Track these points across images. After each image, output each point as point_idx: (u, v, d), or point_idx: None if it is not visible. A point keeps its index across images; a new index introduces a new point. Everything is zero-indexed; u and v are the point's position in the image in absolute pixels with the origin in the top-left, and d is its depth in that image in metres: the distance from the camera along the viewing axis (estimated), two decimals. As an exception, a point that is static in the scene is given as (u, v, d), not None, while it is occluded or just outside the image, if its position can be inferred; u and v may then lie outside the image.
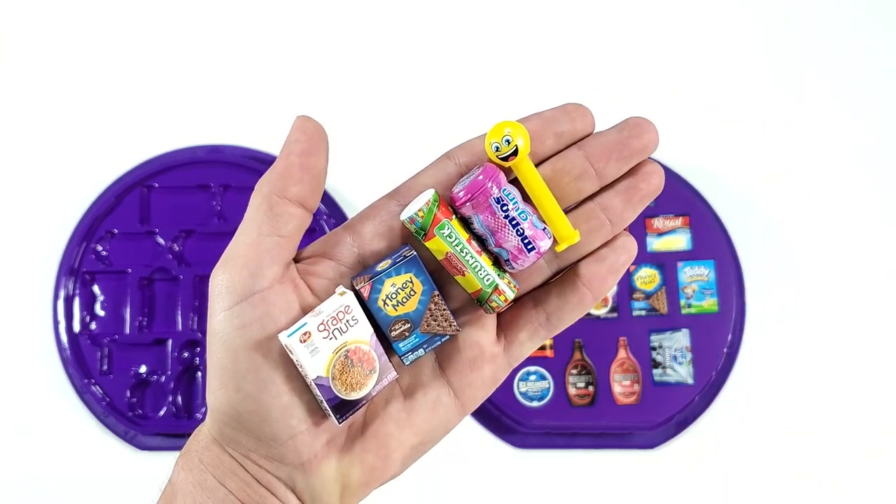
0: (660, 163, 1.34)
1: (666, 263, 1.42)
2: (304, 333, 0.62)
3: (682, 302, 1.41)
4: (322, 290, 0.67)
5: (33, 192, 1.48)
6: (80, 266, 1.43)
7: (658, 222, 1.42)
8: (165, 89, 1.52)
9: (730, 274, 1.41)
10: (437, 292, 0.65)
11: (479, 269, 0.65)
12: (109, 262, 1.44)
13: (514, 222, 0.65)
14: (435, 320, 0.65)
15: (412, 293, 0.65)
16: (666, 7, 1.53)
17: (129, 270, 1.44)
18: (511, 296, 0.66)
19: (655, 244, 1.42)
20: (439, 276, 0.68)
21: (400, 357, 0.66)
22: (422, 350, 0.66)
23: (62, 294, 1.42)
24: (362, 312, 0.64)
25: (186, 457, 0.67)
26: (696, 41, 1.51)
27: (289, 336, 0.62)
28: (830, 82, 1.49)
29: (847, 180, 1.45)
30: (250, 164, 1.44)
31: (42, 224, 1.46)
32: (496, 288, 0.65)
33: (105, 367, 1.41)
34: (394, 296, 0.64)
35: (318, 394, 0.63)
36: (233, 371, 0.63)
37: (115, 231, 1.45)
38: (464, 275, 0.65)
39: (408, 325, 0.65)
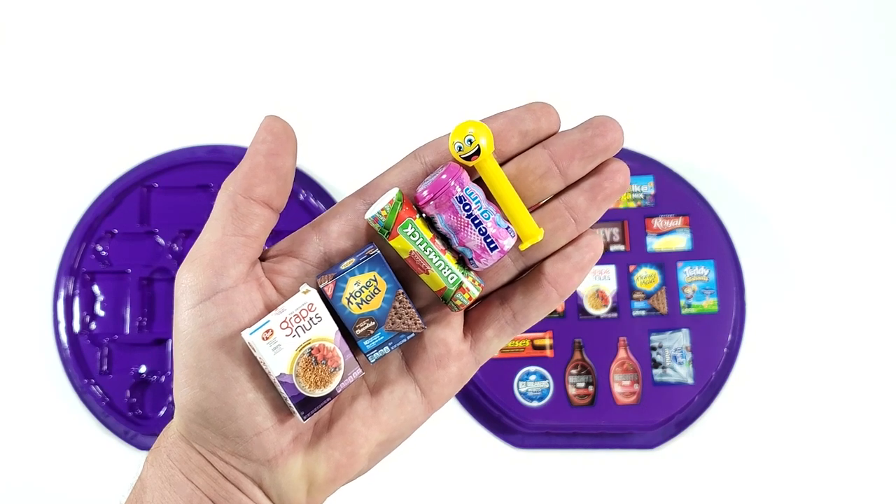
0: (658, 161, 1.35)
1: (666, 263, 1.42)
2: (267, 331, 0.62)
3: (682, 302, 1.40)
4: (287, 288, 0.67)
5: (33, 192, 1.49)
6: (80, 266, 1.44)
7: (658, 222, 1.42)
8: (165, 89, 1.52)
9: (730, 274, 1.41)
10: (401, 290, 0.65)
11: (443, 268, 0.65)
12: (109, 262, 1.45)
13: (476, 221, 0.65)
14: (400, 318, 0.66)
15: (376, 291, 0.65)
16: (666, 7, 1.52)
17: (129, 270, 1.44)
18: (475, 293, 0.66)
19: (655, 244, 1.42)
20: (405, 274, 0.68)
21: (365, 355, 0.66)
22: (387, 348, 0.66)
23: (62, 294, 1.43)
24: (326, 310, 0.64)
25: (155, 453, 0.68)
26: (696, 41, 1.51)
27: (251, 334, 0.62)
28: (831, 82, 1.48)
29: (847, 181, 1.44)
30: (250, 165, 1.43)
31: (42, 224, 1.47)
32: (461, 286, 0.66)
33: (105, 367, 1.42)
34: (357, 294, 0.65)
35: (282, 391, 0.63)
36: (197, 369, 0.63)
37: (115, 231, 1.45)
38: (428, 273, 0.65)
39: (372, 323, 0.65)
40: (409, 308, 0.66)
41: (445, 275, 0.65)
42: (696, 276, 1.41)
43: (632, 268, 1.42)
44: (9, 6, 1.56)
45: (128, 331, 1.43)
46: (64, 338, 1.42)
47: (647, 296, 1.41)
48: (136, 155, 1.47)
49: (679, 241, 1.42)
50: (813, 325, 1.40)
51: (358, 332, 0.65)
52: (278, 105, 1.50)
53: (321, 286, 0.64)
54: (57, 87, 1.53)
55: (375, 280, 0.65)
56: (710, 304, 1.40)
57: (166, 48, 1.54)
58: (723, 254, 1.41)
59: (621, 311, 1.41)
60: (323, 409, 0.66)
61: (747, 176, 1.45)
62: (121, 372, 1.42)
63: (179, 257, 1.44)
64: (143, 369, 1.42)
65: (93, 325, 1.44)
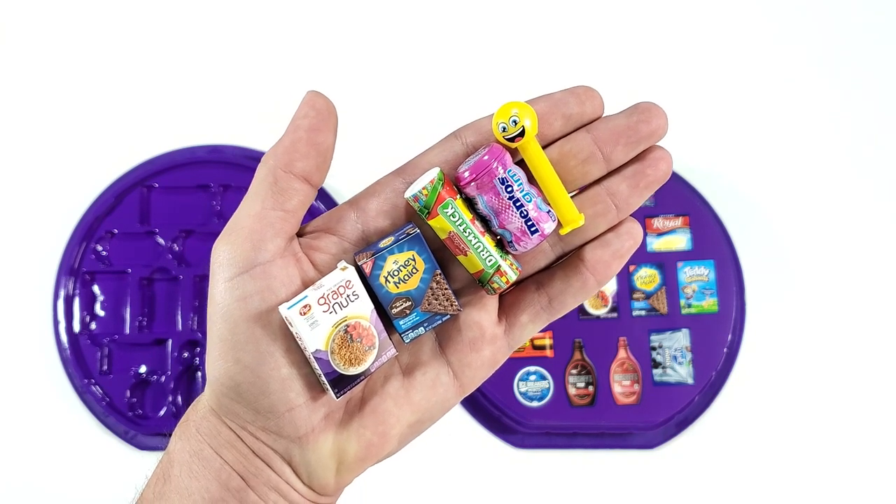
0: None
1: (666, 263, 1.42)
2: (305, 306, 0.62)
3: (682, 302, 1.40)
4: (324, 264, 0.67)
5: (33, 192, 1.48)
6: (80, 266, 1.43)
7: (658, 222, 1.42)
8: (165, 89, 1.52)
9: (730, 274, 1.41)
10: (439, 271, 0.65)
11: (482, 250, 0.65)
12: (109, 262, 1.44)
13: (517, 204, 0.65)
14: (436, 299, 0.66)
15: (414, 271, 0.65)
16: (666, 7, 1.53)
17: (129, 270, 1.43)
18: (513, 277, 0.66)
19: (655, 244, 1.42)
20: (442, 255, 0.68)
21: (400, 335, 0.66)
22: (422, 328, 0.66)
23: (62, 294, 1.42)
24: (363, 288, 0.64)
25: (184, 426, 0.68)
26: (696, 41, 1.52)
27: (289, 308, 0.62)
28: (831, 82, 1.49)
29: (847, 181, 1.45)
30: (250, 164, 1.43)
31: (42, 224, 1.46)
32: (498, 269, 0.65)
33: (105, 367, 1.41)
34: (395, 273, 0.65)
35: (317, 367, 0.63)
36: (232, 342, 0.63)
37: (115, 231, 1.44)
38: (466, 255, 0.65)
39: (409, 303, 0.65)
40: (445, 289, 0.66)
41: (484, 257, 0.65)
42: (696, 276, 1.41)
43: (632, 268, 1.42)
44: (9, 6, 1.55)
45: (128, 331, 1.42)
46: (64, 338, 1.41)
47: (647, 296, 1.41)
48: (136, 155, 1.47)
49: (679, 241, 1.42)
50: (813, 325, 1.41)
51: (394, 311, 0.65)
52: (278, 105, 1.49)
53: (360, 263, 0.64)
54: (57, 87, 1.52)
55: (414, 259, 0.65)
56: (710, 304, 1.40)
57: (166, 48, 1.54)
58: (723, 254, 1.42)
59: (621, 311, 1.42)
60: (356, 387, 0.66)
61: (747, 176, 1.45)
62: (121, 372, 1.41)
63: (179, 257, 1.44)
64: (143, 369, 1.41)
65: (93, 325, 1.43)
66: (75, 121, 1.51)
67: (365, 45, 1.53)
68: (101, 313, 1.43)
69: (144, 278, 1.44)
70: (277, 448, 0.65)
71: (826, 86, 1.49)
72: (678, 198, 1.43)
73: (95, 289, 1.44)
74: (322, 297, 0.63)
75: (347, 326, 0.64)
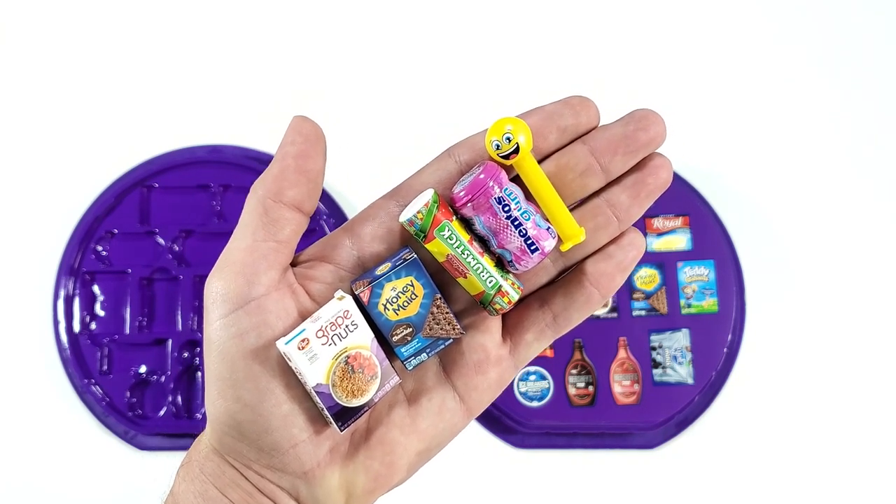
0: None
1: (666, 263, 1.41)
2: (303, 340, 0.61)
3: (682, 302, 1.40)
4: (320, 294, 0.66)
5: (33, 192, 1.48)
6: (80, 266, 1.43)
7: (658, 222, 1.42)
8: (165, 89, 1.52)
9: (730, 274, 1.41)
10: (439, 295, 0.64)
11: (482, 271, 0.64)
12: (109, 262, 1.44)
13: (516, 223, 0.64)
14: (437, 324, 0.65)
15: (413, 297, 0.64)
16: (666, 7, 1.52)
17: (129, 270, 1.43)
18: (515, 297, 0.65)
19: (655, 244, 1.42)
20: (441, 278, 0.67)
21: (402, 362, 0.65)
22: (425, 354, 0.65)
23: (62, 294, 1.42)
24: (362, 317, 0.64)
25: (187, 467, 0.66)
26: (696, 41, 1.51)
27: (286, 343, 0.61)
28: (832, 83, 1.49)
29: (847, 181, 1.45)
30: (250, 164, 1.43)
31: (42, 224, 1.46)
32: (499, 289, 0.64)
33: (105, 367, 1.41)
34: (394, 300, 0.64)
35: (319, 401, 0.62)
36: (231, 381, 0.62)
37: (115, 231, 1.44)
38: (466, 277, 0.64)
39: (409, 330, 0.64)
40: (447, 313, 0.65)
41: (484, 278, 0.64)
42: (696, 276, 1.41)
43: (631, 267, 1.42)
44: (9, 6, 1.55)
45: (128, 331, 1.42)
46: (64, 338, 1.41)
47: (647, 296, 1.41)
48: (136, 155, 1.47)
49: (679, 241, 1.42)
50: (813, 325, 1.41)
51: (395, 338, 0.64)
52: (278, 105, 1.49)
53: (357, 292, 0.63)
54: (57, 87, 1.52)
55: (412, 285, 0.64)
56: (710, 304, 1.40)
57: (166, 48, 1.53)
58: (723, 254, 1.41)
59: (621, 311, 1.41)
60: (360, 418, 0.65)
61: (747, 176, 1.45)
62: (121, 372, 1.41)
63: (179, 257, 1.44)
64: (143, 369, 1.41)
65: (93, 325, 1.43)
66: (75, 121, 1.50)
67: (362, 45, 1.53)
68: (101, 313, 1.43)
69: (144, 278, 1.44)
70: (284, 485, 0.64)
71: (826, 86, 1.48)
72: (678, 198, 1.43)
73: (95, 289, 1.44)
74: (320, 329, 0.62)
75: (348, 357, 0.63)
